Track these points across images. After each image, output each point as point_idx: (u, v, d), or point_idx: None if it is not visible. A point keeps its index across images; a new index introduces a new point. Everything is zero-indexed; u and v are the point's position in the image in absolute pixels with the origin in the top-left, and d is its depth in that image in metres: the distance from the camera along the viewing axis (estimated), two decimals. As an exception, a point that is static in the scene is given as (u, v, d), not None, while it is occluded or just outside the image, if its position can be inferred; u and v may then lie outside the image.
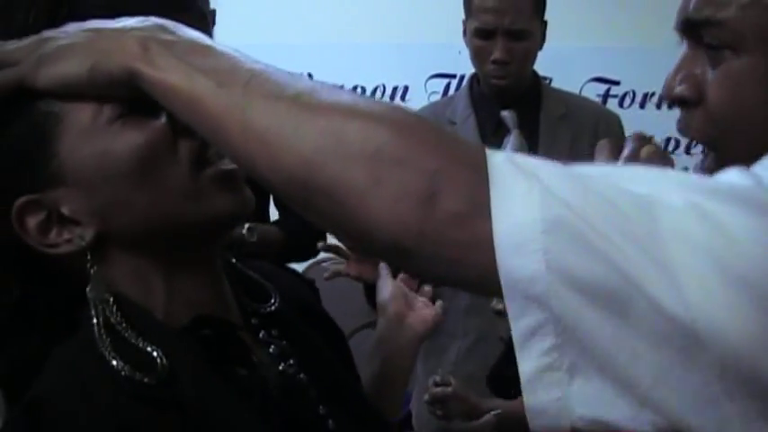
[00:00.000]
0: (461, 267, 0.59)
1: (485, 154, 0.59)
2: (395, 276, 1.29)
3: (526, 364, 0.56)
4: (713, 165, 0.77)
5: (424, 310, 1.25)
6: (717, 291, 0.52)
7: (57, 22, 0.71)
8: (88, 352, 0.69)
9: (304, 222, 0.65)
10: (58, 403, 0.68)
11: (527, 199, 0.56)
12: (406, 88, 3.46)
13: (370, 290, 1.94)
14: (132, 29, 0.67)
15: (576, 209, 0.56)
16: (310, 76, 3.49)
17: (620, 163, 0.80)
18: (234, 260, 0.85)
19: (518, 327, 0.56)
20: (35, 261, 0.73)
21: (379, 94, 3.47)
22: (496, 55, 2.15)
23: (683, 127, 0.79)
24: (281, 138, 0.60)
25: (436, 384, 1.79)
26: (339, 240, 0.65)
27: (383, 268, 1.30)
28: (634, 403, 0.54)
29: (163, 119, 0.71)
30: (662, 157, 0.83)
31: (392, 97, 3.46)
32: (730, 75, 0.74)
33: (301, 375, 0.81)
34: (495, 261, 0.56)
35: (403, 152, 0.59)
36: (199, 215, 0.72)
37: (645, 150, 0.82)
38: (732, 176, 0.59)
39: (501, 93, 2.24)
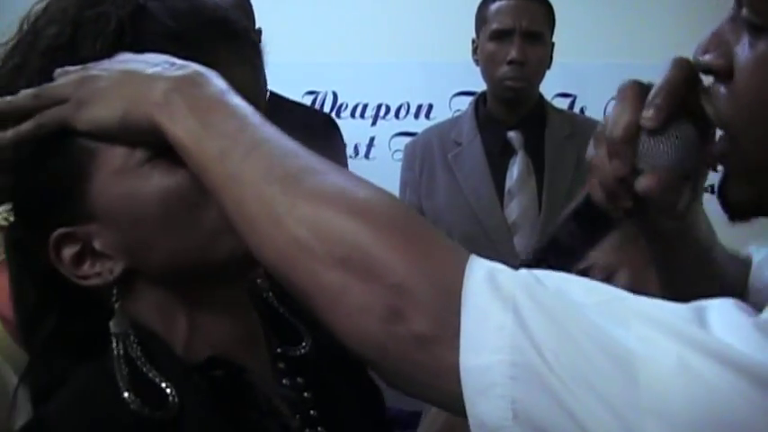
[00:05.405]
0: (427, 389, 0.57)
1: (464, 268, 0.57)
2: None
3: None
4: (726, 148, 0.70)
5: None
6: None
7: (121, 50, 0.72)
8: (104, 379, 0.71)
9: None
10: (61, 427, 0.70)
11: (498, 335, 0.54)
12: (430, 106, 3.47)
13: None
14: (160, 77, 0.67)
15: (550, 358, 0.52)
16: (335, 94, 3.52)
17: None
18: (269, 296, 0.84)
19: None
20: (71, 291, 0.75)
21: (403, 112, 3.48)
22: (513, 55, 2.20)
23: (708, 103, 0.70)
24: (264, 227, 0.61)
25: None
26: None
27: None
28: None
29: None
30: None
31: (416, 115, 3.47)
32: (765, 59, 0.64)
33: (319, 429, 0.80)
34: (461, 393, 0.54)
35: (371, 259, 0.57)
36: (226, 253, 0.72)
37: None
38: (737, 327, 0.53)
39: (512, 103, 2.26)
